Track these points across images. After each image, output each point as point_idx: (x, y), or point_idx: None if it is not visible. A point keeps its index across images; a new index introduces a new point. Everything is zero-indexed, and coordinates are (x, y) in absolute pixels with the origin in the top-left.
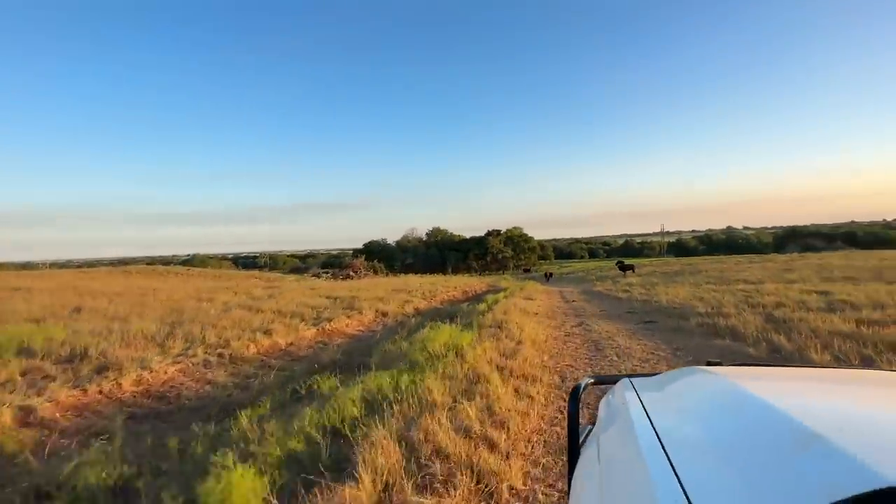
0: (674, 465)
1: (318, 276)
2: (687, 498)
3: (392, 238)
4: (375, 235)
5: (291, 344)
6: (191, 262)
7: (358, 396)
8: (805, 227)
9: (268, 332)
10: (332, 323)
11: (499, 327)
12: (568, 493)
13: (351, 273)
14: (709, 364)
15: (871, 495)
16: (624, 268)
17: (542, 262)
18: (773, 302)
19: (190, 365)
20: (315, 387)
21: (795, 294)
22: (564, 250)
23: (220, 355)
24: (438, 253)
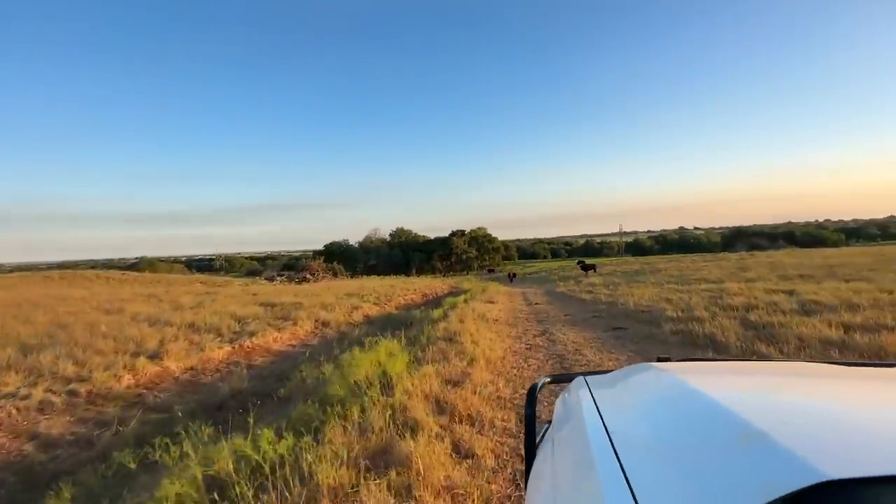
0: (622, 463)
1: (271, 279)
2: (634, 498)
3: (355, 239)
4: (340, 236)
5: (191, 369)
6: (138, 265)
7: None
8: (749, 227)
9: (157, 357)
10: (255, 338)
11: (450, 340)
12: (524, 493)
13: (307, 276)
14: (659, 360)
15: (806, 491)
16: (585, 267)
17: (507, 262)
18: (743, 304)
19: (15, 411)
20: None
21: (761, 294)
22: (528, 250)
23: (74, 392)
24: (402, 254)
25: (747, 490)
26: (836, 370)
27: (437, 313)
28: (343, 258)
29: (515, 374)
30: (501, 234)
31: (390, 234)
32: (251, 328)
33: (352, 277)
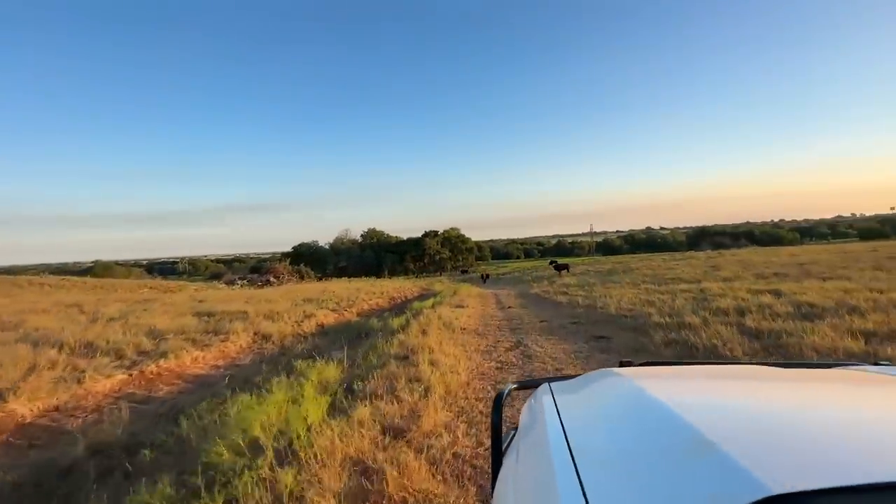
0: (580, 473)
1: (231, 283)
2: (587, 502)
3: (327, 240)
4: (316, 238)
5: (55, 409)
6: (92, 269)
7: None
8: (712, 226)
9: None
10: (167, 360)
11: (405, 359)
12: (491, 501)
13: (271, 279)
14: (622, 364)
15: None
16: (559, 267)
17: (480, 262)
18: (733, 307)
19: None
20: None
21: (746, 294)
22: (501, 251)
23: None
24: (374, 255)
25: (696, 498)
26: (784, 373)
27: (397, 322)
28: (312, 260)
29: (481, 412)
30: (475, 235)
31: (362, 235)
32: (167, 346)
33: (320, 280)
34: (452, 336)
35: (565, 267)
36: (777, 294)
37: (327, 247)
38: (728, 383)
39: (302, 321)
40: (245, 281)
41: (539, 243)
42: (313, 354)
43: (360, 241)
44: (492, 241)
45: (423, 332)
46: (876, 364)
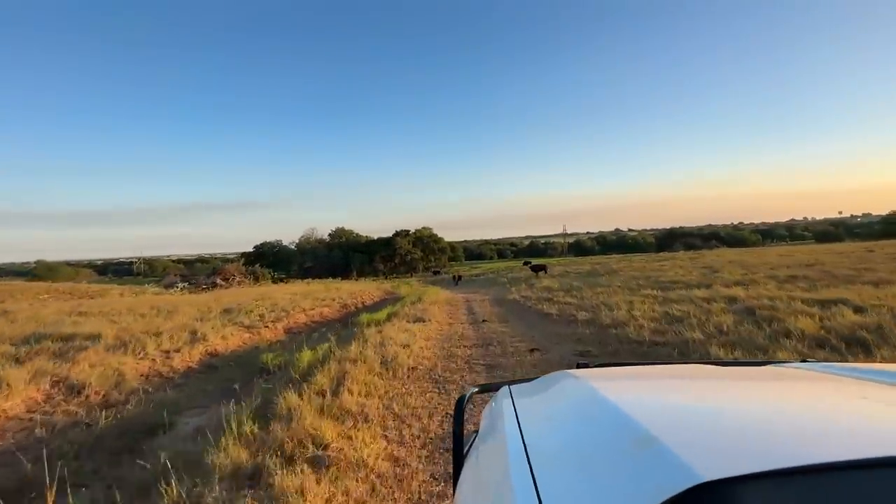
0: (534, 471)
1: (171, 286)
2: (540, 502)
3: (291, 240)
4: (279, 237)
5: None
6: (33, 270)
7: None
8: (679, 228)
9: None
10: None
11: (258, 483)
12: (452, 499)
13: (218, 281)
14: (578, 366)
15: (689, 491)
16: (536, 268)
17: (453, 263)
18: (813, 329)
19: None
20: None
21: (811, 308)
22: (475, 251)
23: None
24: (342, 255)
25: (640, 492)
26: (724, 371)
27: (309, 355)
28: (276, 260)
29: None
30: (448, 236)
31: (330, 235)
32: None
33: (280, 282)
34: (392, 385)
35: (543, 268)
36: (837, 304)
37: (293, 247)
38: (673, 382)
39: (181, 348)
40: (187, 284)
41: (512, 244)
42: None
43: (328, 240)
44: (465, 241)
45: (344, 379)
46: (804, 361)
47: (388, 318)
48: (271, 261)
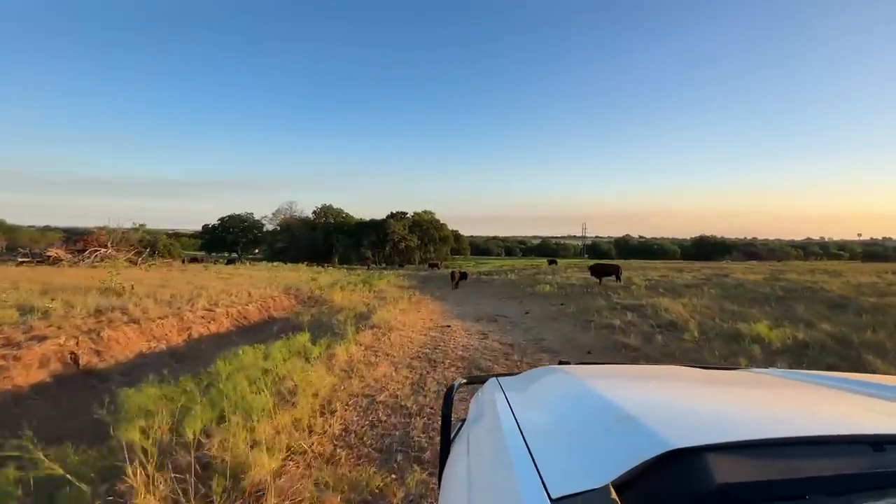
0: (529, 447)
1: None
2: (537, 470)
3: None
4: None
5: None
6: None
7: None
8: (711, 236)
9: None
10: None
11: None
12: (438, 486)
13: (59, 255)
14: (560, 363)
15: (662, 456)
16: (601, 272)
17: (456, 257)
18: None
19: None
20: None
21: None
22: (481, 246)
23: None
24: (325, 237)
25: (622, 456)
26: (701, 371)
27: None
28: (239, 239)
29: None
30: (453, 228)
31: (314, 213)
32: None
33: (230, 264)
34: None
35: (614, 271)
36: None
37: (267, 223)
38: (651, 377)
39: None
40: (29, 259)
41: (521, 241)
42: None
43: (312, 218)
44: (471, 236)
45: None
46: (776, 369)
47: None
48: (236, 238)
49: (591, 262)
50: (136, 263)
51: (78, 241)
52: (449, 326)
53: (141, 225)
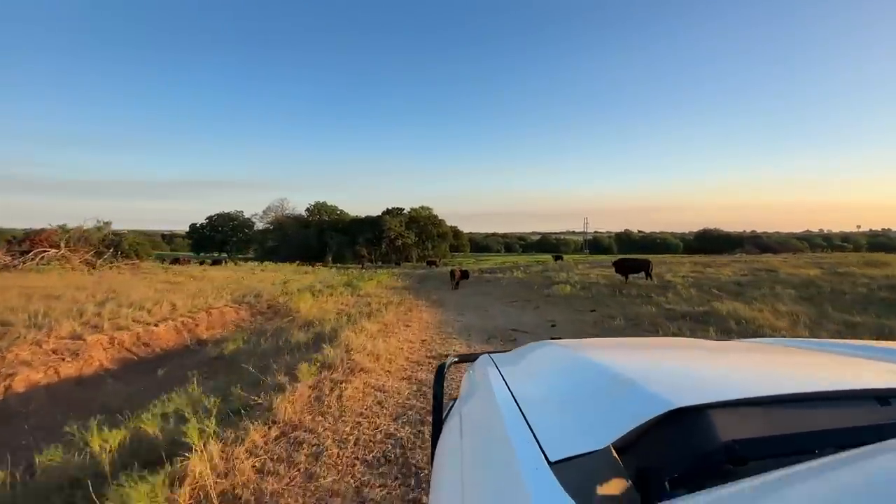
0: (525, 415)
1: None
2: (535, 437)
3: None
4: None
5: None
6: None
7: None
8: (715, 230)
9: None
10: None
11: None
12: (431, 464)
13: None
14: (552, 339)
15: (663, 416)
16: (626, 268)
17: (456, 254)
18: None
19: None
20: None
21: None
22: (480, 243)
23: None
24: (318, 236)
25: (622, 418)
26: (696, 341)
27: None
28: (234, 237)
29: None
30: (449, 224)
31: (307, 210)
32: None
33: (217, 265)
34: None
35: (643, 266)
36: None
37: (257, 222)
38: (652, 347)
39: None
40: None
41: (521, 238)
42: None
43: (305, 216)
44: (470, 233)
45: None
46: (782, 339)
47: None
48: (225, 237)
49: (594, 258)
50: (93, 265)
51: (24, 241)
52: (447, 356)
53: (106, 223)
